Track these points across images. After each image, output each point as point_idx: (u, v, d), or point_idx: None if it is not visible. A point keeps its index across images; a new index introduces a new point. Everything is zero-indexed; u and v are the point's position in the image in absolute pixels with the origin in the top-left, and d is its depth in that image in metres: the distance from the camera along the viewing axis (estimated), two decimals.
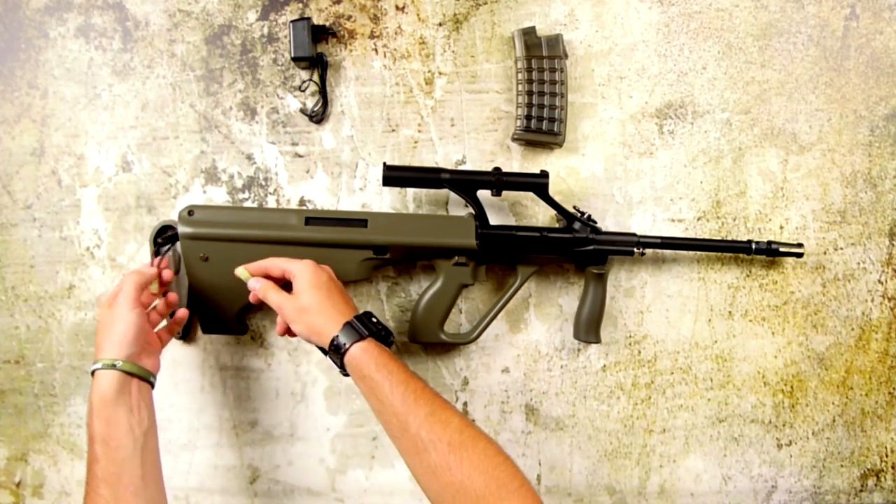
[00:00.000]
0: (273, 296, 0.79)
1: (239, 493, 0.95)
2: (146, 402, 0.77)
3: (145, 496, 0.72)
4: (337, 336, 0.74)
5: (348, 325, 0.74)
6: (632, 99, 0.95)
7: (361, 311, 0.77)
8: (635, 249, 0.89)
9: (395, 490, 0.96)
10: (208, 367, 0.94)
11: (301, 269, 0.79)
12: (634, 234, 0.90)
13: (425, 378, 0.95)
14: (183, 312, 0.86)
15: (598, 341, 0.91)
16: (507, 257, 0.90)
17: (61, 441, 0.94)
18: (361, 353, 0.73)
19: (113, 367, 0.74)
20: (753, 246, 0.91)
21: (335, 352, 0.74)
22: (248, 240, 0.85)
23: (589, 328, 0.91)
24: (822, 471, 0.99)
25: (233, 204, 0.93)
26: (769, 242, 0.91)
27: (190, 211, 0.85)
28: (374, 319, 0.77)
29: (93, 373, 0.75)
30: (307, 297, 0.76)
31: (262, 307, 0.93)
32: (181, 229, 0.85)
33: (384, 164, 0.86)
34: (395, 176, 0.86)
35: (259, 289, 0.80)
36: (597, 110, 0.95)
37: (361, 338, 0.74)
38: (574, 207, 0.90)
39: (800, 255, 0.92)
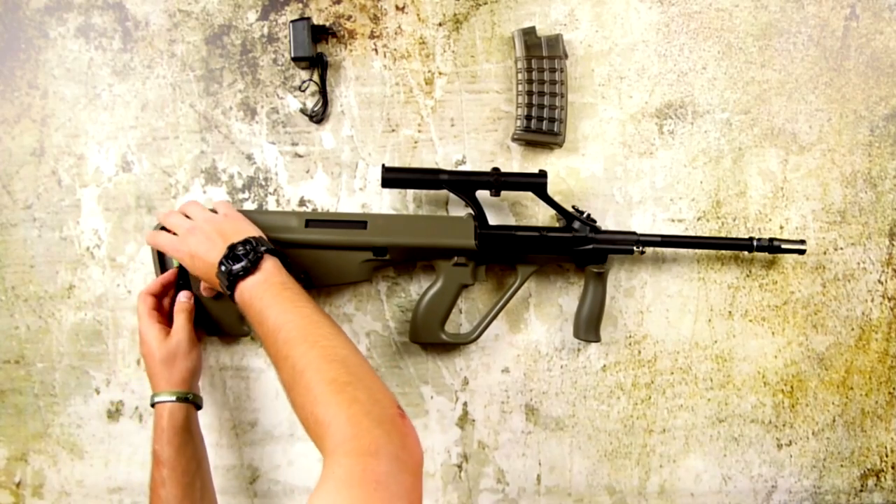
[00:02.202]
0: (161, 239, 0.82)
1: (239, 493, 0.95)
2: (198, 426, 0.84)
3: None
4: (220, 284, 0.75)
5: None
6: (632, 99, 0.95)
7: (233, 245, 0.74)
8: (635, 248, 0.89)
9: None
10: (208, 367, 0.94)
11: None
12: (634, 233, 0.90)
13: (426, 378, 0.95)
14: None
15: (597, 340, 0.91)
16: (506, 257, 0.90)
17: (61, 441, 0.94)
18: (238, 301, 0.73)
19: (186, 399, 0.80)
20: (755, 243, 0.90)
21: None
22: None
23: (589, 327, 0.91)
24: (822, 471, 0.99)
25: (232, 204, 0.93)
26: (771, 240, 0.90)
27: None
28: (239, 251, 0.73)
29: (158, 402, 0.80)
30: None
31: None
32: None
33: (382, 165, 0.86)
34: (394, 178, 0.86)
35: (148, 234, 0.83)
36: (597, 110, 0.95)
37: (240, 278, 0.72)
38: (573, 207, 0.90)
39: (802, 252, 0.91)
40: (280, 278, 0.72)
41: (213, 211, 0.83)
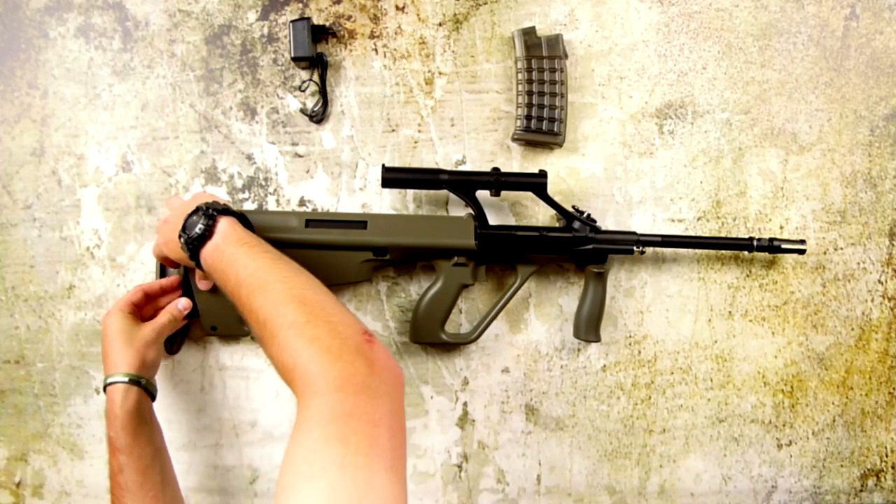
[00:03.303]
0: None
1: (239, 493, 0.95)
2: (153, 413, 0.82)
3: (164, 499, 0.77)
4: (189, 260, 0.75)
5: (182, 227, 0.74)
6: (632, 99, 0.95)
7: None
8: (635, 248, 0.89)
9: None
10: (208, 367, 0.94)
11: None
12: (634, 233, 0.90)
13: (426, 378, 0.95)
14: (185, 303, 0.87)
15: (597, 340, 0.91)
16: (506, 257, 0.90)
17: (61, 441, 0.94)
18: (206, 270, 0.73)
19: (138, 383, 0.78)
20: (755, 243, 0.90)
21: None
22: None
23: (589, 327, 0.91)
24: (822, 471, 0.99)
25: (233, 205, 0.93)
26: (771, 240, 0.90)
27: None
28: (190, 221, 0.73)
29: (111, 384, 0.78)
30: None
31: None
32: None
33: (383, 165, 0.86)
34: (394, 178, 0.86)
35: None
36: (597, 110, 0.95)
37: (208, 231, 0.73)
38: (573, 207, 0.90)
39: (802, 252, 0.91)
40: (236, 235, 0.72)
41: None
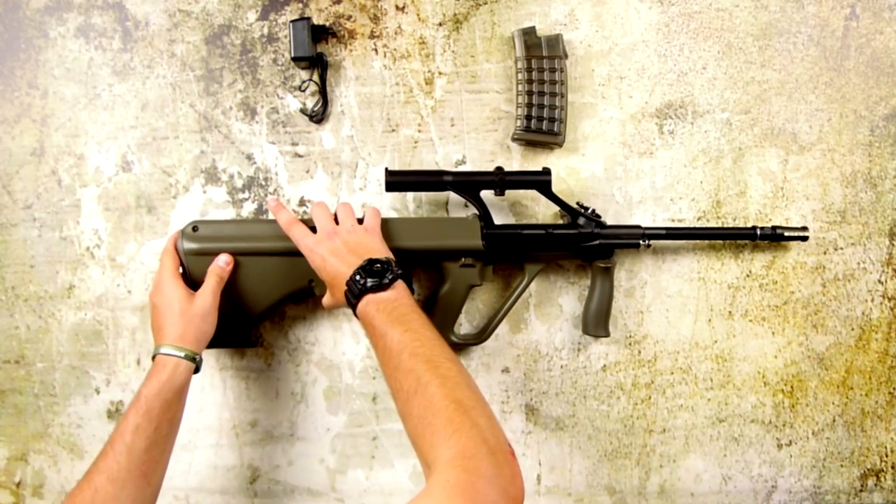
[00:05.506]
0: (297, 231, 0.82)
1: (239, 493, 0.95)
2: (187, 391, 0.81)
3: (151, 480, 0.76)
4: (346, 293, 0.76)
5: (348, 282, 0.76)
6: (632, 99, 0.95)
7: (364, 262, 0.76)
8: (641, 242, 0.89)
9: (395, 490, 0.96)
10: (208, 367, 0.94)
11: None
12: (639, 227, 0.90)
13: None
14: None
15: (607, 335, 0.91)
16: (513, 256, 0.90)
17: (61, 441, 0.94)
18: (361, 313, 0.75)
19: (193, 359, 0.79)
20: (758, 232, 0.91)
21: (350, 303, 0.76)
22: (255, 252, 0.85)
23: (598, 322, 0.91)
24: (822, 471, 0.99)
25: (236, 215, 0.93)
26: (774, 227, 0.91)
27: (194, 227, 0.85)
28: (376, 267, 0.76)
29: (165, 354, 0.78)
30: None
31: (268, 318, 0.93)
32: (186, 246, 0.84)
33: (386, 169, 0.85)
34: (398, 181, 0.86)
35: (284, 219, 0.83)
36: (597, 110, 0.95)
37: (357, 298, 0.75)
38: (577, 203, 0.90)
39: (805, 239, 0.92)
40: (409, 302, 0.74)
41: (360, 220, 0.84)
